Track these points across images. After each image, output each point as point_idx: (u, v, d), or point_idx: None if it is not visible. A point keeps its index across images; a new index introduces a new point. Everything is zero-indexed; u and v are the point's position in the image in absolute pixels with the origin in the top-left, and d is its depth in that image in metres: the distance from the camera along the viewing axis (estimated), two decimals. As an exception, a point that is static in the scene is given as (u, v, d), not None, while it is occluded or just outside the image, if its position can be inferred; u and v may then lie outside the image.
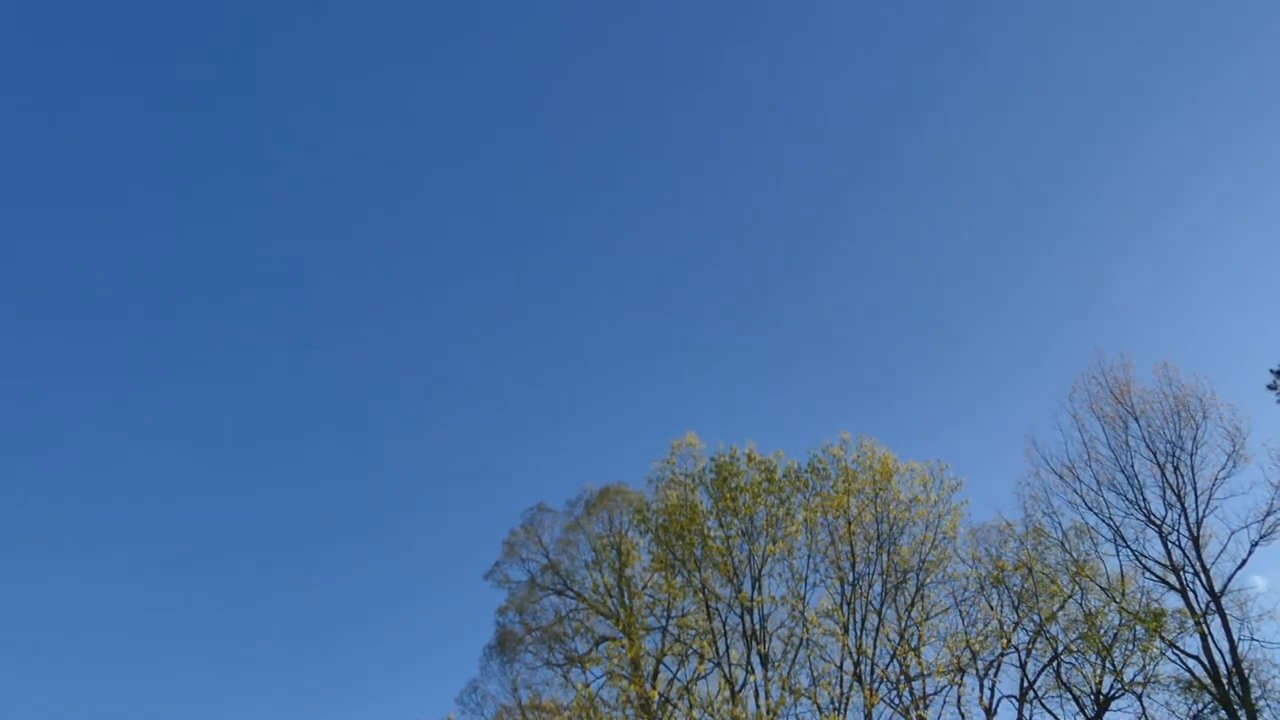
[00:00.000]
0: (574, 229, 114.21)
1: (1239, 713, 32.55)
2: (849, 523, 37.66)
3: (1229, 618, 33.66)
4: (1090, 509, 36.31)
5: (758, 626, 36.72)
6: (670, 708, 37.14)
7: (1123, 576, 36.01)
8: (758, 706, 35.36)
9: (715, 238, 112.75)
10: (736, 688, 36.09)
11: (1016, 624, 37.77)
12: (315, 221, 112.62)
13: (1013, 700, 37.26)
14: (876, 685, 35.79)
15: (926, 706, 36.33)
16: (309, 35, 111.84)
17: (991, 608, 38.07)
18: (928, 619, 37.73)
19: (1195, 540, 34.59)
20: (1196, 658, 33.99)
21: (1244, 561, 33.99)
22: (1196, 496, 34.92)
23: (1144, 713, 36.06)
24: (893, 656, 36.70)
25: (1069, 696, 37.48)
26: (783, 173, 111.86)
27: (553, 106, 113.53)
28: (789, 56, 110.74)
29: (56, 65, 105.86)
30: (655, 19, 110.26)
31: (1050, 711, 37.67)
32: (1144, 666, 36.55)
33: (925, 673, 36.95)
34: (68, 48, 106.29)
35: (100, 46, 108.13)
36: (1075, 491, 36.58)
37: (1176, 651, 34.98)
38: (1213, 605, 33.71)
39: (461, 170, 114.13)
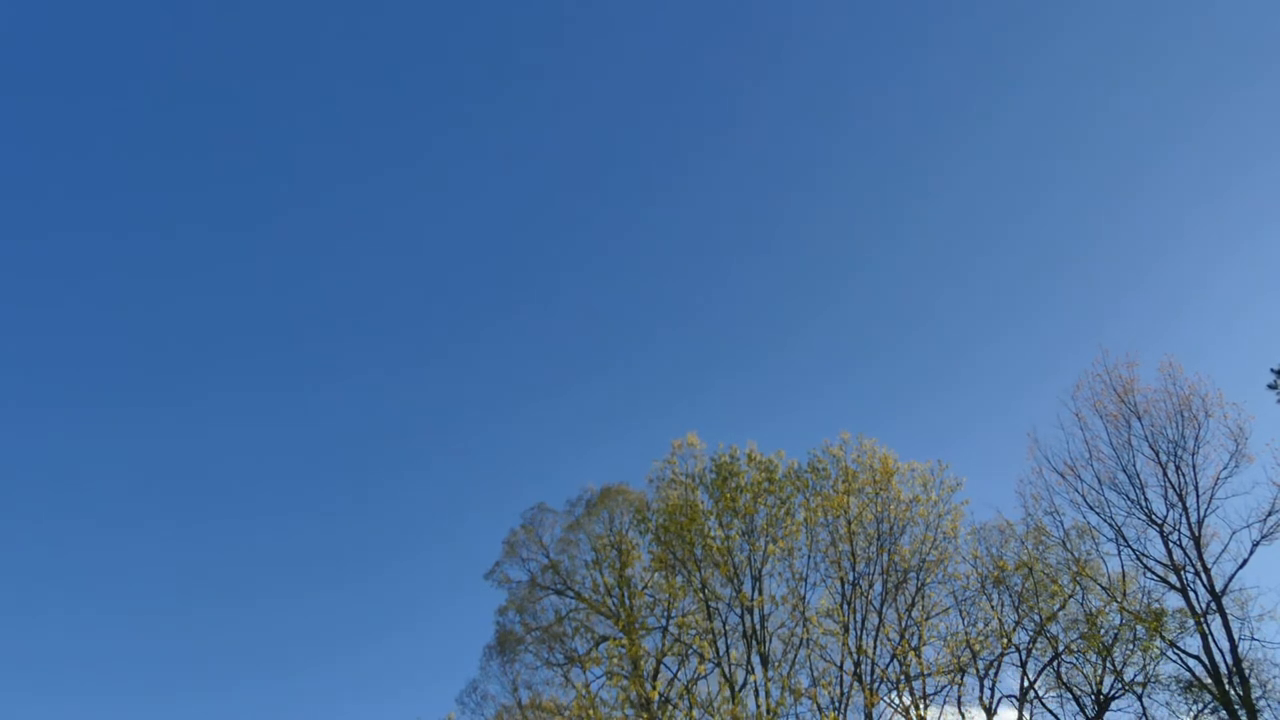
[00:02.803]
0: (584, 246, 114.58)
1: (1239, 713, 32.48)
2: (849, 523, 37.65)
3: (1230, 617, 33.57)
4: (1092, 508, 36.22)
5: (758, 626, 36.73)
6: (670, 708, 37.14)
7: (1124, 576, 35.93)
8: (758, 706, 35.37)
9: (725, 249, 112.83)
10: (736, 688, 36.11)
11: (1017, 624, 37.68)
12: (348, 251, 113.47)
13: (1013, 700, 37.20)
14: (876, 685, 35.78)
15: (926, 706, 36.30)
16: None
17: (992, 607, 38.01)
18: (928, 619, 37.71)
19: (1196, 540, 34.48)
20: (1197, 657, 33.92)
21: (1245, 561, 33.90)
22: (1198, 496, 34.82)
23: (1144, 713, 35.98)
24: (893, 656, 36.68)
25: (1069, 696, 37.41)
26: (798, 184, 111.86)
27: (573, 118, 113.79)
28: (807, 69, 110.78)
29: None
30: (674, 31, 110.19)
31: (1050, 711, 37.62)
32: (1144, 666, 36.47)
33: (925, 672, 36.92)
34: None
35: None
36: (1076, 491, 36.49)
37: (1177, 651, 34.91)
38: (1213, 605, 33.61)
39: (473, 191, 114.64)
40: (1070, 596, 36.87)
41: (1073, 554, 36.77)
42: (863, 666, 35.74)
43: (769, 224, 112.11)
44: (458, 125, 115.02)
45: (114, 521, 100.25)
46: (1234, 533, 34.05)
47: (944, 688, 37.07)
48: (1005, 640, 37.47)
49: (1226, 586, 33.89)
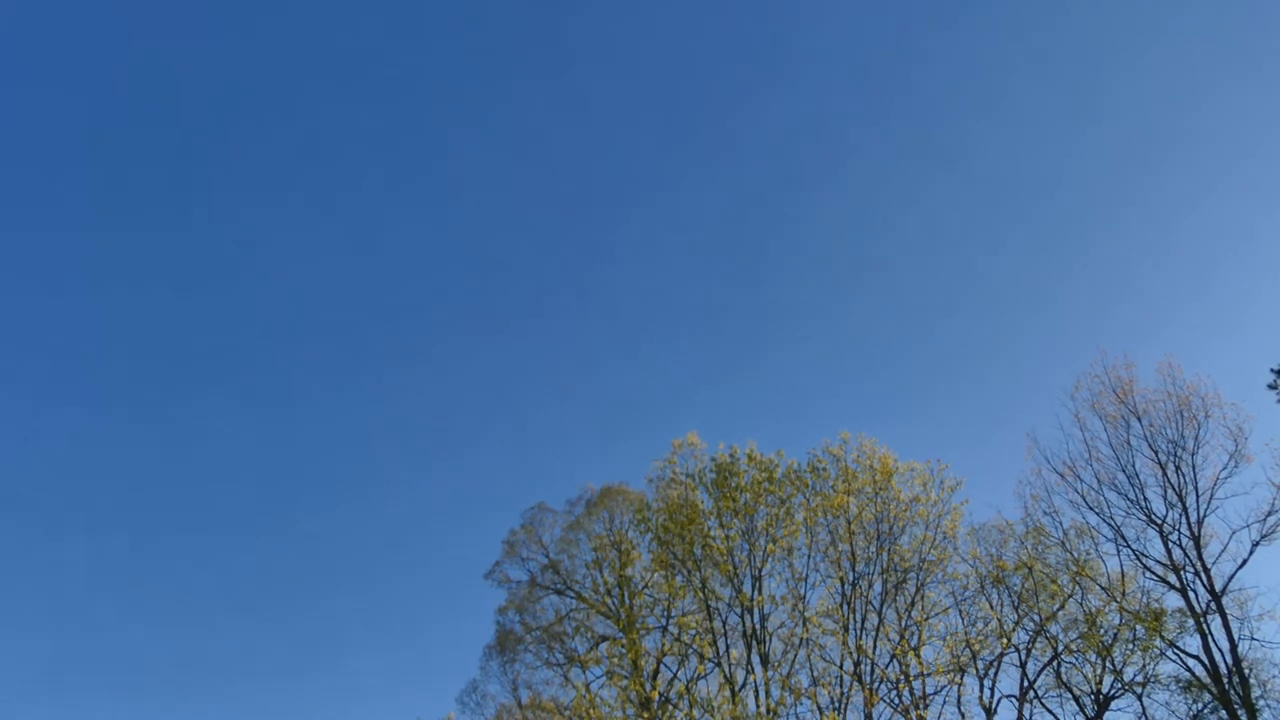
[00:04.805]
0: (585, 247, 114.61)
1: (1239, 712, 32.50)
2: (849, 522, 37.64)
3: (1229, 617, 33.60)
4: (1091, 508, 36.24)
5: (758, 626, 36.71)
6: (670, 708, 37.14)
7: (1123, 576, 35.96)
8: (758, 706, 35.37)
9: (728, 252, 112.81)
10: (736, 688, 36.10)
11: (1016, 624, 37.73)
12: (346, 255, 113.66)
13: (1013, 700, 37.26)
14: (876, 685, 35.79)
15: (926, 706, 36.31)
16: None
17: (991, 607, 38.04)
18: (928, 619, 37.72)
19: (1196, 540, 34.50)
20: (1197, 657, 33.95)
21: (1245, 561, 33.96)
22: (1198, 496, 34.86)
23: (1144, 712, 36.07)
24: (893, 656, 36.69)
25: (1069, 696, 37.48)
26: (805, 190, 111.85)
27: (578, 120, 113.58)
28: (812, 74, 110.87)
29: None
30: (683, 29, 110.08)
31: (1050, 711, 37.70)
32: (1144, 666, 36.56)
33: (925, 672, 36.93)
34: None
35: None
36: (1076, 491, 36.51)
37: (1177, 651, 34.96)
38: (1213, 605, 33.63)
39: (472, 195, 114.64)
40: (1070, 596, 36.89)
41: (1072, 554, 36.79)
42: (863, 666, 35.75)
43: (770, 228, 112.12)
44: (460, 128, 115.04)
45: (110, 531, 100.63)
46: (1234, 533, 34.14)
47: (944, 688, 37.13)
48: (1005, 640, 37.50)
49: (1226, 586, 33.94)
